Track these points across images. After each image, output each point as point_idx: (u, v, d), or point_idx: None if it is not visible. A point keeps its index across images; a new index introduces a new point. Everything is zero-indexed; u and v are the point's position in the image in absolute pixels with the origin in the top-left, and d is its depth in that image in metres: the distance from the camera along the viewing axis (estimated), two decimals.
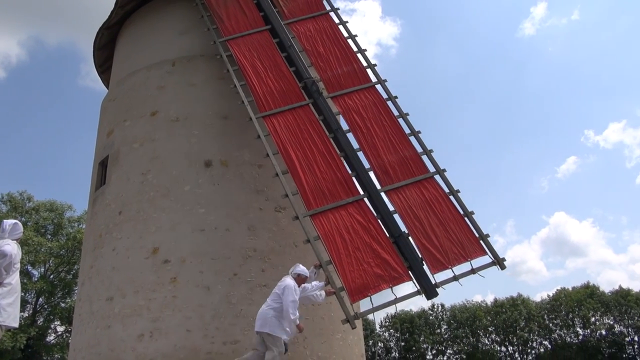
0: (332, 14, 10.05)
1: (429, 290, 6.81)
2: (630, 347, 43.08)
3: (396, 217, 7.42)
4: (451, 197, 7.78)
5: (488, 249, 7.36)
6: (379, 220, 7.30)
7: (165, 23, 10.72)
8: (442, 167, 8.07)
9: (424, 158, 8.23)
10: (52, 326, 30.14)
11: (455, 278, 7.03)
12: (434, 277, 6.94)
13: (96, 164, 10.49)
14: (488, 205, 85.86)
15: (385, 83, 9.11)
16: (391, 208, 7.52)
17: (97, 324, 8.50)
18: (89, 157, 10.45)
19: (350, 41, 9.65)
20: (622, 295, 43.26)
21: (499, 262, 7.31)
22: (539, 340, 46.09)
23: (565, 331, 45.00)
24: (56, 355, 29.24)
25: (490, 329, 46.90)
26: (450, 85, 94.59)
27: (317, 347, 8.45)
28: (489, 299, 49.90)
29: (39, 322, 28.99)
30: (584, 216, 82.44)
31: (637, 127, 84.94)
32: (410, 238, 7.17)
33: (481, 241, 7.44)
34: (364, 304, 7.01)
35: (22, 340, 24.61)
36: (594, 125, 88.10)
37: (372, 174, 7.88)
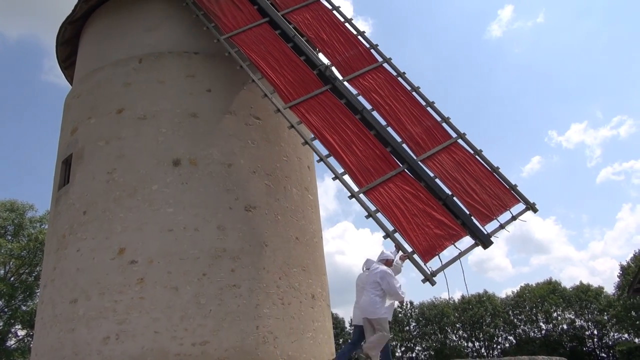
0: (323, 0, 10.20)
1: (484, 240, 7.54)
2: (590, 340, 44.74)
3: (437, 181, 8.01)
4: (477, 157, 8.43)
5: (520, 197, 8.10)
6: (424, 187, 7.89)
7: (132, 19, 10.49)
8: (462, 132, 8.66)
9: (444, 125, 8.77)
10: (12, 330, 29.15)
11: (502, 226, 7.77)
12: (484, 229, 7.62)
13: (59, 162, 10.19)
14: None
15: (391, 61, 9.44)
16: (431, 174, 8.04)
17: (61, 327, 8.26)
18: (52, 155, 10.21)
19: (347, 25, 9.88)
20: (582, 291, 44.90)
21: (532, 206, 8.02)
22: (504, 336, 47.39)
23: (529, 326, 46.41)
24: None
25: (457, 325, 47.90)
26: (419, 85, 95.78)
27: (287, 347, 8.44)
28: (457, 296, 50.96)
29: None
30: (548, 214, 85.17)
31: (598, 128, 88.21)
32: (455, 198, 7.80)
33: (512, 191, 8.13)
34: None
35: None
36: (557, 126, 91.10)
37: (404, 147, 8.34)
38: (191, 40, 10.06)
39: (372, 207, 7.53)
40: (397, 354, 47.91)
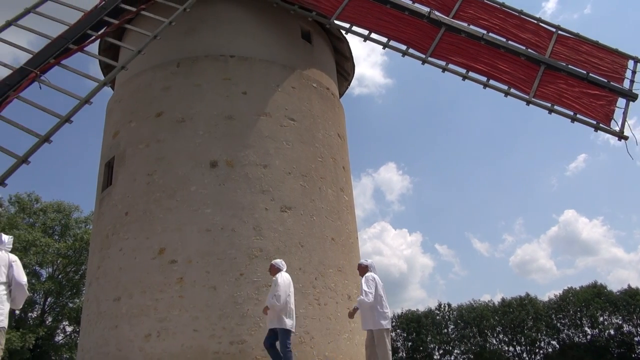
0: None
1: (631, 95, 8.80)
2: None
3: (571, 67, 9.11)
4: (580, 39, 9.58)
5: (625, 55, 9.39)
6: (567, 75, 9.05)
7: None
8: (556, 24, 9.90)
9: (541, 25, 9.76)
10: (60, 326, 30.28)
11: (632, 81, 9.06)
12: (623, 87, 8.88)
13: (102, 164, 10.53)
14: (497, 203, 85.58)
15: None
16: (563, 64, 9.10)
17: (105, 324, 8.55)
18: (96, 158, 10.63)
19: None
20: (630, 295, 42.92)
21: (638, 59, 9.34)
22: (546, 340, 45.86)
23: (574, 331, 44.76)
24: (65, 355, 29.33)
25: (497, 328, 46.73)
26: (463, 82, 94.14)
27: (323, 347, 8.44)
28: (497, 299, 49.67)
29: (47, 322, 29.15)
30: (594, 214, 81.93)
31: None
32: (591, 74, 8.97)
33: (618, 53, 9.36)
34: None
35: (31, 340, 24.71)
36: None
37: (530, 51, 9.31)
38: (227, 43, 10.23)
39: (548, 104, 8.65)
40: (435, 357, 47.19)
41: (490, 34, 9.54)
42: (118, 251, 8.88)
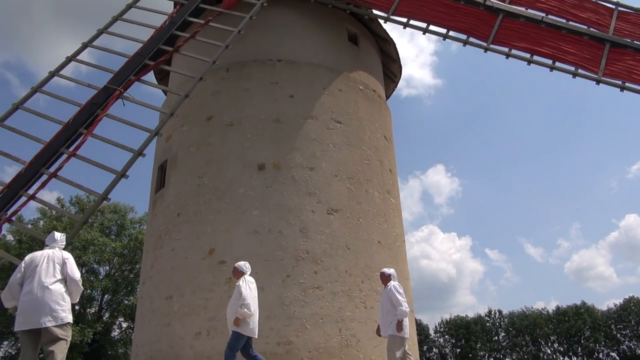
0: None
1: None
2: None
3: (636, 42, 8.92)
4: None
5: None
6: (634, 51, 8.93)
7: (219, 30, 11.00)
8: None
9: (599, 2, 9.59)
10: (116, 322, 31.56)
11: None
12: None
13: (156, 167, 10.91)
14: (551, 207, 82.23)
15: None
16: (628, 40, 8.97)
17: (158, 321, 8.84)
18: (150, 161, 11.11)
19: None
20: None
21: None
22: (605, 351, 43.60)
23: (636, 342, 42.31)
24: (120, 350, 30.53)
25: (552, 337, 44.86)
26: (516, 82, 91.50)
27: (370, 351, 8.38)
28: (552, 306, 47.65)
29: (104, 318, 30.47)
30: None
31: None
32: None
33: None
34: None
35: (89, 335, 25.92)
36: None
37: (593, 30, 9.22)
38: (274, 47, 10.37)
39: (619, 82, 8.60)
40: None
41: (550, 16, 9.42)
42: (170, 251, 9.17)
